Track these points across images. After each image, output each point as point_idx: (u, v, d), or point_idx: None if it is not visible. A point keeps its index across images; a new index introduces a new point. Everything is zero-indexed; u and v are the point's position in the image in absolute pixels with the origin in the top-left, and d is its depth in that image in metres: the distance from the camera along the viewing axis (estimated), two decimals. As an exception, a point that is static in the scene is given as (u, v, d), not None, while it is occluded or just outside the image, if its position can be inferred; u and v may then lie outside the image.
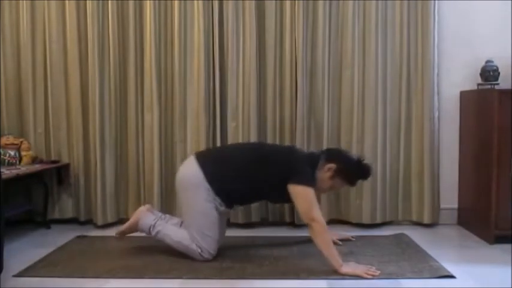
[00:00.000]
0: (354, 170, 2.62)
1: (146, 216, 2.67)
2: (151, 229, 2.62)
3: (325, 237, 2.42)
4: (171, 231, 2.62)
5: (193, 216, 2.57)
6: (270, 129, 3.30)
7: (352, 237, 2.97)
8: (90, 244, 2.92)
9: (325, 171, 2.59)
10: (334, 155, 2.67)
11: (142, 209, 2.74)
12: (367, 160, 2.76)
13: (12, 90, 3.36)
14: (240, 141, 3.25)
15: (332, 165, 2.57)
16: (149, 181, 3.29)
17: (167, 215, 2.81)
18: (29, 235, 3.17)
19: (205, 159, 2.64)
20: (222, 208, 2.58)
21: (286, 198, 2.54)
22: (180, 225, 2.68)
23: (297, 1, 3.19)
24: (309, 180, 2.50)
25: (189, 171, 2.61)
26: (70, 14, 3.26)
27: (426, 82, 3.22)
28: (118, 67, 3.29)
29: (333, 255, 2.40)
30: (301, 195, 2.47)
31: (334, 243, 2.85)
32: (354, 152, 3.24)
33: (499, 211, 2.85)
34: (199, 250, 2.54)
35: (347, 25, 3.24)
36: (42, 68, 3.34)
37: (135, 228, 2.70)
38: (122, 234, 2.75)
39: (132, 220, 2.70)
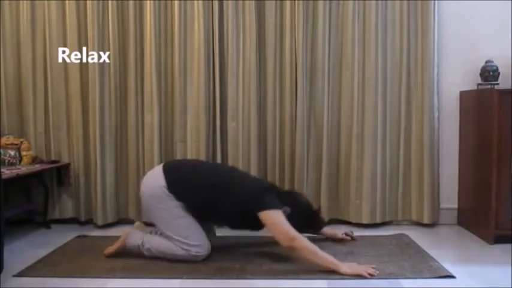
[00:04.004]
0: (304, 220, 2.57)
1: (133, 236, 2.64)
2: (140, 248, 2.60)
3: (311, 247, 2.40)
4: (157, 244, 2.58)
5: (167, 225, 2.55)
6: (270, 129, 3.31)
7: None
8: (90, 244, 2.92)
9: None
10: (292, 199, 2.61)
11: (130, 230, 2.69)
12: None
13: (12, 90, 3.36)
14: (240, 141, 3.26)
15: (286, 209, 2.51)
16: (149, 181, 3.29)
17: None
18: (29, 235, 3.16)
19: (171, 170, 2.63)
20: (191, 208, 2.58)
21: (247, 225, 2.55)
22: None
23: (297, 1, 3.19)
24: (276, 203, 2.48)
25: (152, 184, 2.59)
26: (70, 14, 3.27)
27: (426, 82, 3.22)
28: (118, 67, 3.29)
29: (326, 258, 2.40)
30: (273, 219, 2.43)
31: (342, 239, 2.89)
32: (354, 152, 3.26)
33: (499, 211, 2.85)
34: (188, 252, 2.52)
35: (347, 25, 3.24)
36: (42, 68, 3.34)
37: (123, 250, 2.65)
38: (111, 255, 2.67)
39: (119, 243, 2.65)
